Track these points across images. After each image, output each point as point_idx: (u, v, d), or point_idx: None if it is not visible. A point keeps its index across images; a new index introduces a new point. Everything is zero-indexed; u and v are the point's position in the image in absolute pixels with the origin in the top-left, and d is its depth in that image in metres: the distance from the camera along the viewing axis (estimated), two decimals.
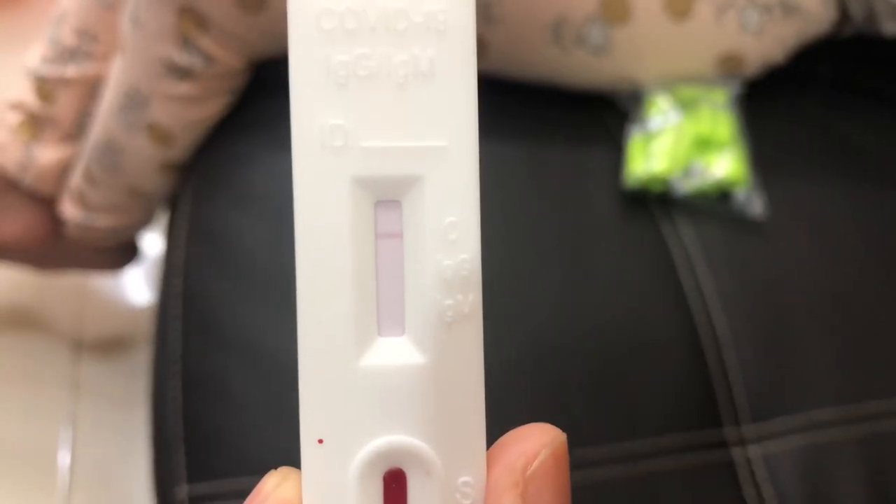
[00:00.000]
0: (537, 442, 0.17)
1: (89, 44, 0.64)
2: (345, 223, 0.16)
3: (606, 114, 0.57)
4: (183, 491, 0.45)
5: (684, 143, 0.53)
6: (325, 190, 0.16)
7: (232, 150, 0.56)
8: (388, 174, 0.16)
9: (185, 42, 0.53)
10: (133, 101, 0.57)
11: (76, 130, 0.66)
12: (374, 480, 0.17)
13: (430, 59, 0.16)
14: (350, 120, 0.16)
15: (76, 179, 0.65)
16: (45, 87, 0.65)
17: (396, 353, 0.17)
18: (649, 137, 0.54)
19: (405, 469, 0.17)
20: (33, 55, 0.66)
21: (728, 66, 0.55)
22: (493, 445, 0.17)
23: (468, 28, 0.16)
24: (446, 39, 0.16)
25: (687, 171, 0.53)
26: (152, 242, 0.87)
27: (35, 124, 0.66)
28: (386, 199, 0.17)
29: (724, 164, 0.53)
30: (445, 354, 0.17)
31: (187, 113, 0.56)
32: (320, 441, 0.17)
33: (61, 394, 0.80)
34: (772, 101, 0.58)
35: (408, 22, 0.16)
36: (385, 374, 0.17)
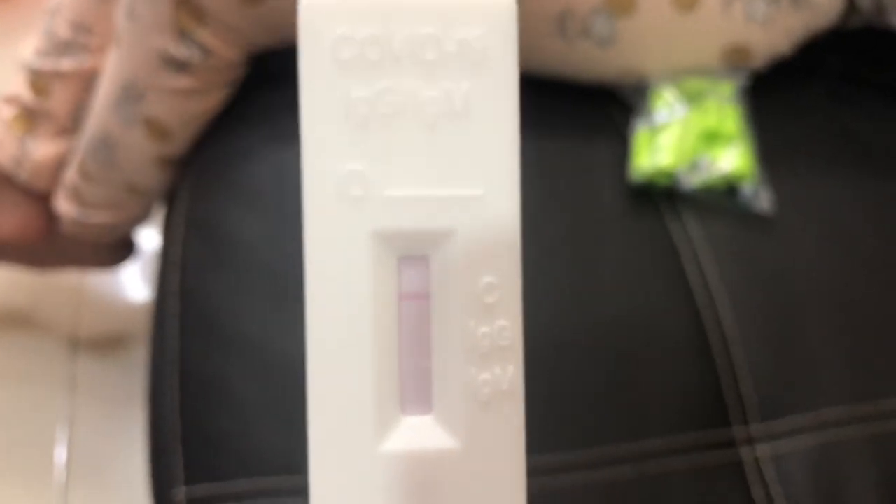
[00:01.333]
0: None
1: (84, 36, 0.63)
2: (364, 283, 0.14)
3: (612, 107, 0.56)
4: (181, 493, 0.44)
5: (691, 137, 0.53)
6: (341, 246, 0.14)
7: (230, 144, 0.56)
8: (415, 227, 0.14)
9: (182, 34, 0.52)
10: (129, 95, 0.56)
11: (71, 124, 0.66)
12: None
13: (464, 94, 0.14)
14: (371, 165, 0.14)
15: (71, 174, 0.64)
16: (39, 81, 0.64)
17: (423, 435, 0.15)
18: (655, 131, 0.53)
19: None
20: (28, 48, 0.65)
21: (735, 58, 0.55)
22: None
23: (510, 57, 0.14)
24: (484, 72, 0.14)
25: (693, 165, 0.52)
26: (149, 238, 0.87)
27: (30, 118, 0.65)
28: (411, 255, 0.15)
29: (731, 158, 0.52)
30: (480, 438, 0.15)
31: (184, 106, 0.56)
32: None
33: (58, 392, 0.79)
34: (779, 94, 0.58)
35: (439, 51, 0.14)
36: (410, 461, 0.15)
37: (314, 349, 0.14)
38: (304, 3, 0.14)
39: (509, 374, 0.14)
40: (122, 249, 0.78)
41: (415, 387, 0.14)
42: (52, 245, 0.73)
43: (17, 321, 0.86)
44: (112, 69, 0.57)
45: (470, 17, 0.14)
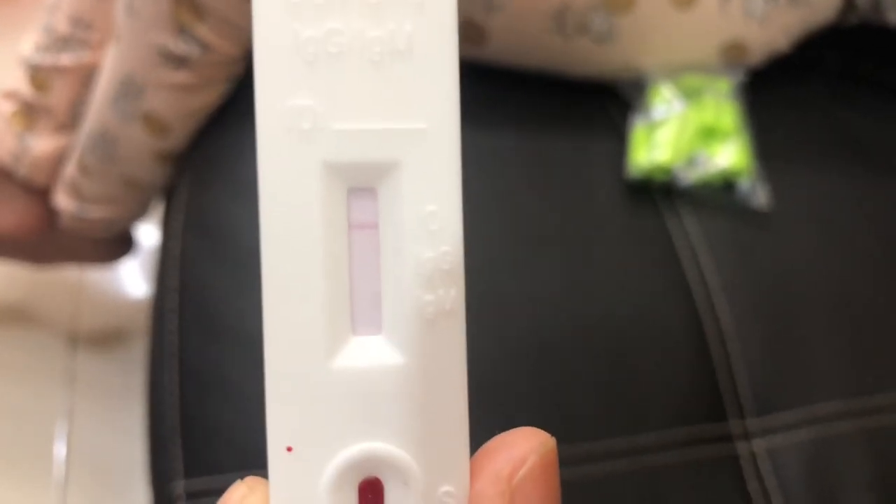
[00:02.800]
0: (525, 448, 0.15)
1: (84, 31, 0.63)
2: (315, 212, 0.15)
3: (609, 103, 0.57)
4: (180, 486, 0.44)
5: (688, 133, 0.53)
6: (292, 176, 0.15)
7: (229, 139, 0.56)
8: (362, 159, 0.15)
9: (181, 30, 0.53)
10: (128, 90, 0.56)
11: (71, 120, 0.66)
12: (347, 491, 0.16)
13: (407, 34, 0.15)
14: (320, 100, 0.15)
15: (70, 170, 0.64)
16: (39, 76, 0.64)
17: (372, 352, 0.16)
18: (653, 127, 0.53)
19: (382, 478, 0.16)
20: (27, 43, 0.65)
21: (732, 54, 0.55)
22: (478, 452, 0.16)
23: (449, 1, 0.15)
24: (425, 13, 0.15)
25: (691, 161, 0.52)
26: (148, 234, 0.87)
27: (29, 114, 0.65)
28: (360, 186, 0.15)
29: (728, 154, 0.52)
30: (426, 354, 0.15)
31: (183, 102, 0.56)
32: (289, 449, 0.15)
33: (57, 387, 0.79)
34: (776, 90, 0.58)
35: None
36: (360, 376, 0.15)
37: (269, 276, 0.15)
38: None
39: (451, 295, 0.15)
40: (121, 245, 0.78)
41: (365, 309, 0.16)
42: (52, 240, 0.73)
43: (17, 316, 0.86)
44: (111, 64, 0.57)
45: None
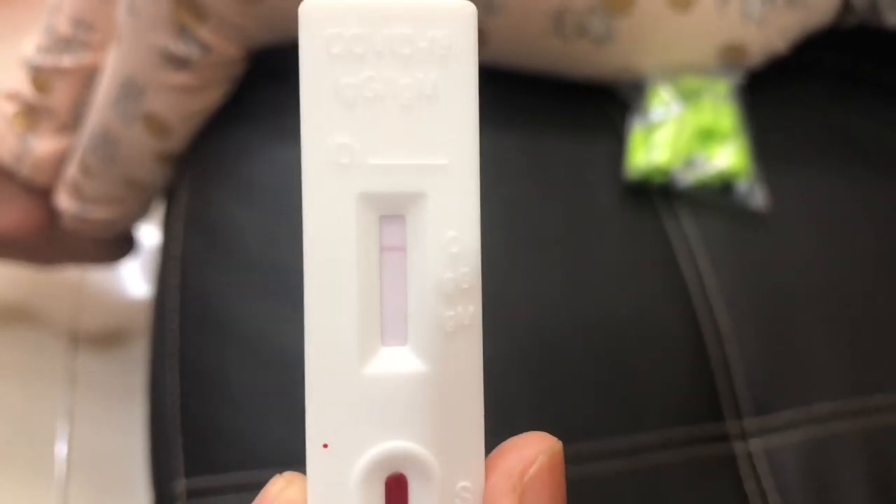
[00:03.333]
0: (535, 449, 0.17)
1: (85, 33, 0.63)
2: (351, 237, 0.17)
3: (608, 104, 0.57)
4: (181, 485, 0.44)
5: (686, 135, 0.53)
6: (332, 205, 0.17)
7: (229, 140, 0.56)
8: (393, 190, 0.17)
9: (182, 31, 0.53)
10: (129, 92, 0.56)
11: (72, 121, 0.66)
12: (376, 485, 0.17)
13: (433, 82, 0.17)
14: (357, 139, 0.17)
15: (72, 170, 0.64)
16: (40, 77, 0.65)
17: (399, 361, 0.17)
18: (651, 128, 0.54)
19: (406, 474, 0.17)
20: (29, 45, 0.65)
21: (730, 56, 0.55)
22: (492, 452, 0.18)
23: (470, 53, 0.17)
24: (449, 64, 0.17)
25: (689, 163, 0.53)
26: (149, 234, 0.87)
27: (31, 115, 0.66)
28: (390, 214, 0.17)
29: (726, 156, 0.53)
30: (446, 363, 0.17)
31: (184, 103, 0.56)
32: (325, 446, 0.17)
33: (58, 387, 0.79)
34: (774, 92, 0.58)
35: (413, 47, 0.17)
36: (388, 382, 0.17)
37: (310, 293, 0.17)
38: (304, 6, 0.17)
39: (470, 311, 0.17)
40: (122, 245, 0.78)
41: (393, 323, 0.18)
42: (53, 241, 0.73)
43: (18, 316, 0.87)
44: (112, 65, 0.57)
45: (438, 20, 0.17)
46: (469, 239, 0.17)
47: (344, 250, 0.17)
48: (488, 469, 0.17)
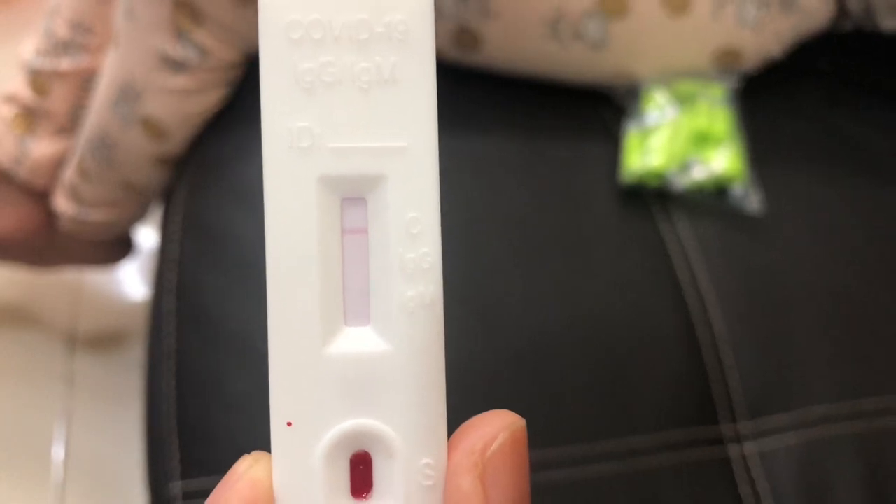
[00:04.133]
0: (496, 426, 0.17)
1: (84, 36, 0.64)
2: (312, 219, 0.17)
3: (603, 108, 0.57)
4: (177, 487, 0.45)
5: (681, 139, 0.53)
6: (293, 188, 0.17)
7: (227, 143, 0.56)
8: (353, 173, 0.17)
9: (180, 35, 0.53)
10: (127, 95, 0.56)
11: (70, 123, 0.66)
12: (340, 462, 0.18)
13: (391, 66, 0.17)
14: (316, 122, 0.17)
15: (69, 173, 0.64)
16: (39, 80, 0.65)
17: (362, 341, 0.18)
18: (646, 132, 0.54)
19: (370, 451, 0.18)
20: (27, 48, 0.65)
21: (726, 60, 0.55)
22: (455, 431, 0.18)
23: (427, 36, 0.17)
24: (406, 48, 0.17)
25: (684, 167, 0.53)
26: (147, 236, 0.87)
27: (29, 117, 0.66)
28: (352, 196, 0.18)
29: (722, 160, 0.53)
30: (408, 343, 0.18)
31: (182, 106, 0.56)
32: (289, 424, 0.17)
33: (55, 389, 0.79)
34: (770, 96, 0.58)
35: (370, 32, 0.17)
36: (351, 361, 0.18)
37: (272, 275, 0.17)
38: None
39: (431, 290, 0.18)
40: (120, 247, 0.78)
41: (355, 303, 0.18)
42: (51, 243, 0.73)
43: (15, 318, 0.87)
44: (111, 69, 0.57)
45: (395, 5, 0.17)
46: (429, 219, 0.18)
47: (305, 232, 0.17)
48: (451, 446, 0.18)
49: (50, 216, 0.70)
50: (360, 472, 0.18)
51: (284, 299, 0.17)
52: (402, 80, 0.17)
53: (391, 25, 0.17)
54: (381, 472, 0.18)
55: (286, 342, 0.17)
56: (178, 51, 0.54)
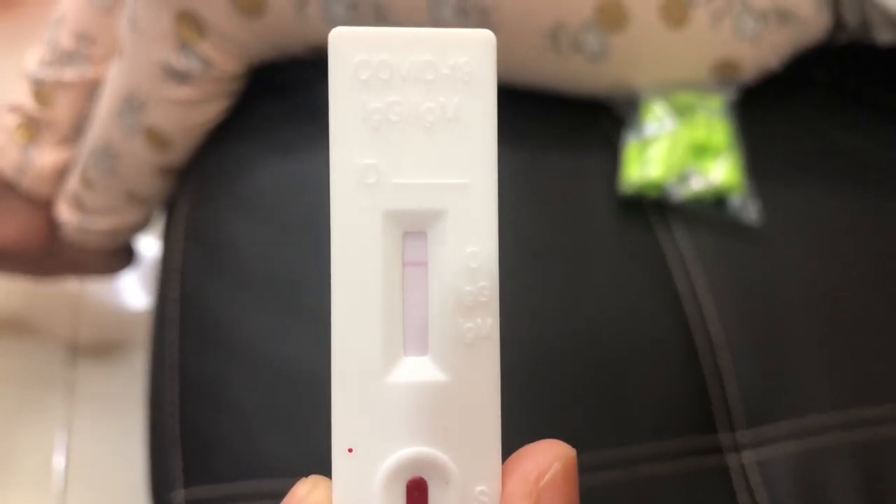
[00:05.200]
0: (550, 456, 0.18)
1: (87, 47, 0.64)
2: (376, 252, 0.18)
3: (603, 119, 0.57)
4: (179, 495, 0.45)
5: (680, 150, 0.54)
6: (358, 222, 0.18)
7: (230, 153, 0.57)
8: (416, 208, 0.18)
9: (183, 46, 0.53)
10: (131, 105, 0.57)
11: (74, 133, 0.66)
12: (397, 488, 0.18)
13: (455, 106, 0.18)
14: (382, 160, 0.18)
15: (73, 182, 0.65)
16: (42, 91, 0.65)
17: (420, 371, 0.18)
18: (645, 143, 0.54)
19: (427, 478, 0.18)
20: (31, 58, 0.66)
21: (724, 72, 0.56)
22: (509, 458, 0.18)
23: (490, 78, 0.18)
24: (470, 89, 0.18)
25: (682, 177, 0.53)
26: (149, 246, 0.87)
27: (33, 127, 0.66)
28: (413, 230, 0.18)
29: (720, 171, 0.53)
30: (465, 373, 0.18)
31: (185, 117, 0.56)
32: (350, 451, 0.18)
33: (57, 398, 0.80)
34: (767, 108, 0.59)
35: (436, 73, 0.18)
36: (410, 391, 0.18)
37: (337, 304, 0.18)
38: (334, 34, 0.18)
39: (488, 323, 0.18)
40: (122, 257, 0.78)
41: (415, 334, 0.18)
42: (53, 253, 0.74)
43: (17, 327, 0.87)
44: (114, 79, 0.58)
45: (460, 47, 0.18)
46: (488, 254, 0.18)
47: (369, 265, 0.18)
48: (505, 474, 0.18)
49: (52, 225, 0.70)
50: (417, 497, 0.18)
51: (347, 328, 0.18)
52: (465, 119, 0.18)
53: (456, 67, 0.18)
54: (437, 499, 0.18)
55: (348, 370, 0.18)
56: (181, 62, 0.54)
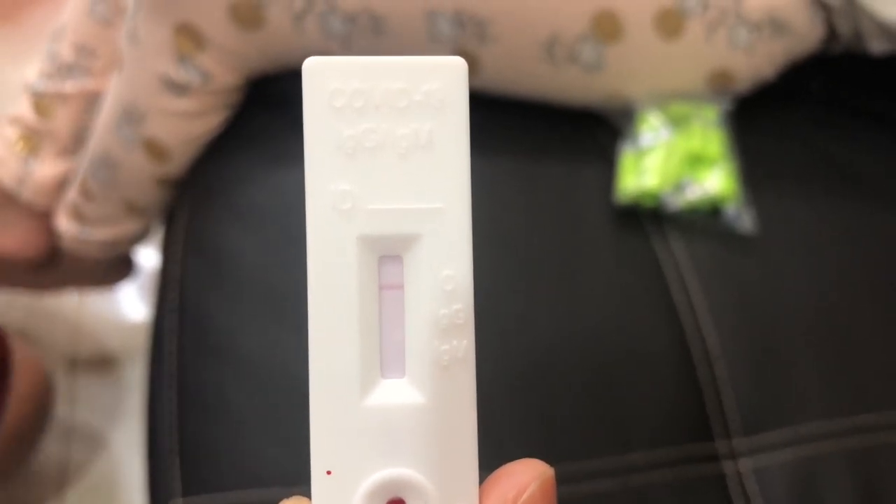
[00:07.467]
0: (528, 476, 0.18)
1: (87, 59, 0.64)
2: (352, 276, 0.18)
3: (598, 130, 0.58)
4: None
5: (675, 160, 0.54)
6: (334, 247, 0.18)
7: (228, 165, 0.57)
8: (391, 233, 0.18)
9: (183, 59, 0.54)
10: (130, 117, 0.57)
11: (73, 145, 0.67)
12: None
13: (428, 132, 0.18)
14: (357, 186, 0.18)
15: (72, 193, 0.65)
16: (43, 103, 0.66)
17: (398, 393, 0.19)
18: (641, 153, 0.55)
19: (405, 499, 0.19)
20: (32, 71, 0.66)
21: (718, 82, 0.56)
22: (487, 479, 0.19)
23: (462, 104, 0.19)
24: (442, 115, 0.18)
25: (678, 187, 0.53)
26: (148, 257, 0.88)
27: (33, 139, 0.67)
28: (389, 254, 0.19)
29: (715, 180, 0.54)
30: (442, 395, 0.18)
31: (184, 128, 0.57)
32: (329, 472, 0.18)
33: (57, 409, 0.80)
34: (762, 118, 0.59)
35: (409, 100, 0.18)
36: (387, 413, 0.18)
37: (313, 328, 0.18)
38: (308, 63, 0.18)
39: (464, 345, 0.19)
40: (120, 268, 0.79)
41: (392, 357, 0.19)
42: (53, 264, 0.74)
43: (17, 338, 0.87)
44: (114, 91, 0.58)
45: (432, 75, 0.18)
46: (462, 277, 0.18)
47: (345, 289, 0.18)
48: (483, 495, 0.18)
49: (52, 236, 0.70)
50: None
51: (325, 352, 0.18)
52: (438, 145, 0.18)
53: (429, 93, 0.18)
54: None
55: (326, 394, 0.18)
56: (180, 74, 0.54)
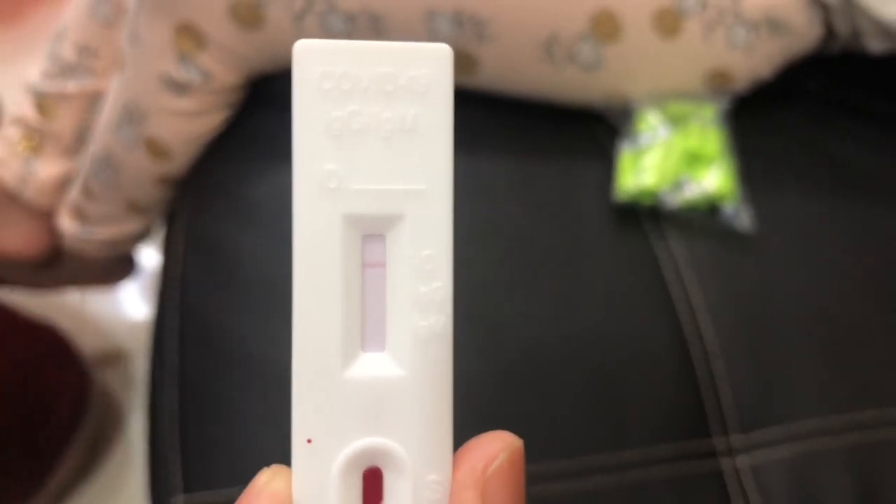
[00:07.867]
0: (496, 447, 0.19)
1: (89, 59, 0.65)
2: (336, 253, 0.19)
3: (597, 129, 0.58)
4: (179, 501, 0.45)
5: (674, 158, 0.54)
6: (320, 225, 0.19)
7: (229, 163, 0.57)
8: (375, 212, 0.19)
9: (183, 58, 0.54)
10: (131, 116, 0.58)
11: (75, 145, 0.67)
12: (354, 477, 0.19)
13: (413, 116, 0.19)
14: (343, 166, 0.19)
15: (74, 193, 0.65)
16: (45, 103, 0.66)
17: (377, 366, 0.19)
18: (639, 152, 0.55)
19: (382, 467, 0.19)
20: (33, 71, 0.67)
21: (717, 82, 0.56)
22: (459, 450, 0.19)
23: (446, 90, 0.19)
24: (427, 100, 0.19)
25: (676, 185, 0.54)
26: (149, 256, 0.88)
27: (35, 139, 0.67)
28: (372, 233, 0.19)
29: (713, 179, 0.54)
30: (420, 369, 0.19)
31: (185, 127, 0.57)
32: (309, 441, 0.19)
33: None
34: (760, 116, 0.59)
35: (395, 85, 0.19)
36: (367, 385, 0.19)
37: (298, 304, 0.19)
38: (298, 46, 0.19)
39: (442, 321, 0.19)
40: (122, 267, 0.79)
41: (373, 331, 0.19)
42: (55, 263, 0.74)
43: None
44: (116, 91, 0.58)
45: (418, 61, 0.19)
46: (442, 256, 0.19)
47: (329, 265, 0.19)
48: (455, 464, 0.19)
49: (54, 235, 0.71)
50: (373, 486, 0.19)
51: (308, 325, 0.19)
52: (422, 129, 0.19)
53: (414, 79, 0.19)
54: (391, 487, 0.19)
55: (308, 365, 0.19)
56: (181, 73, 0.55)
